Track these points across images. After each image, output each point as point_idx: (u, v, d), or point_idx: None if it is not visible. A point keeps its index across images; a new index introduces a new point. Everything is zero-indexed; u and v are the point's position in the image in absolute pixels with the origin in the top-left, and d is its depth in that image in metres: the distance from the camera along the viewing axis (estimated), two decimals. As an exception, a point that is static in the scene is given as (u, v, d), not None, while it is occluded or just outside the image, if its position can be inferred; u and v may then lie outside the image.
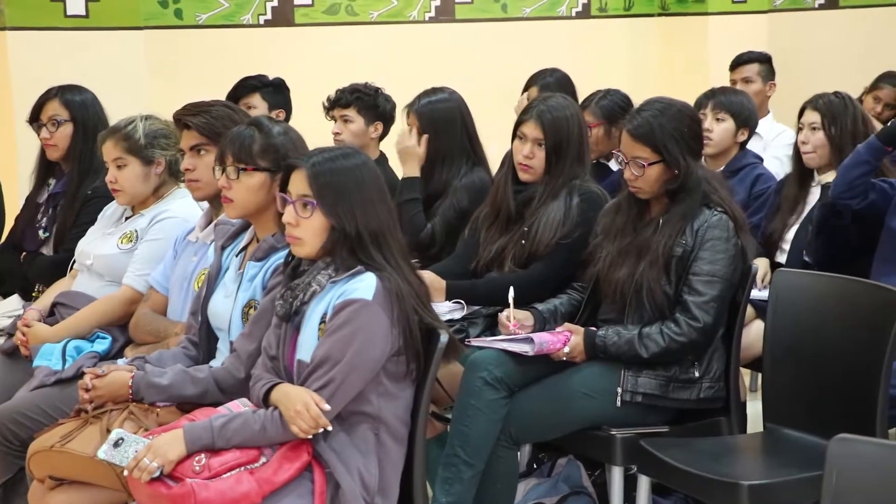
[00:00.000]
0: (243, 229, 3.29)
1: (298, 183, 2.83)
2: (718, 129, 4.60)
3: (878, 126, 4.61)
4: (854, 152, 4.04)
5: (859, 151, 4.02)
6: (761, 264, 4.25)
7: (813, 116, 4.40)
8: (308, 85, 5.69)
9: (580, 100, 4.92)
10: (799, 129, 4.47)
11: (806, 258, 4.31)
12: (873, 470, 2.03)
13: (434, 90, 4.37)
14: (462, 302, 3.73)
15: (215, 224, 3.44)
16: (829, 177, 4.34)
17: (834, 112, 4.36)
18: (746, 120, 4.69)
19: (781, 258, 4.43)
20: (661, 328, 3.39)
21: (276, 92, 5.25)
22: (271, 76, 5.36)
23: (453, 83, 5.94)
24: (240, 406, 2.86)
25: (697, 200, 3.45)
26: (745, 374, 4.44)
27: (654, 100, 3.54)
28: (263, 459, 2.74)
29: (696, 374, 3.44)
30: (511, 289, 3.53)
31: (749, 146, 5.20)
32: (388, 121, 4.81)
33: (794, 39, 7.17)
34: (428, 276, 3.62)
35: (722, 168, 4.63)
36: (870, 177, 4.01)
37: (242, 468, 2.71)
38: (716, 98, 4.72)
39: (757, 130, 5.51)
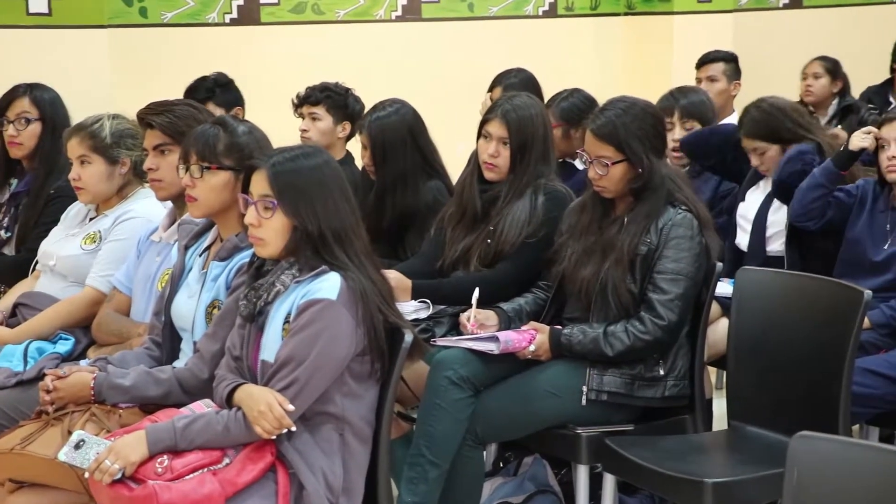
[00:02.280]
0: (207, 229, 3.27)
1: (259, 183, 2.81)
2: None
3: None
4: (810, 176, 4.08)
5: (815, 175, 4.06)
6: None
7: (752, 144, 4.35)
8: (274, 84, 5.67)
9: (545, 99, 4.92)
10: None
11: (768, 248, 4.34)
12: (833, 467, 2.04)
13: (383, 104, 4.27)
14: (428, 301, 3.72)
15: (179, 224, 3.42)
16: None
17: (769, 129, 4.34)
18: (709, 120, 4.72)
19: (743, 239, 4.44)
20: (627, 326, 3.39)
21: (226, 91, 5.23)
22: (236, 75, 5.34)
23: (420, 82, 5.96)
24: (203, 407, 2.84)
25: (662, 199, 3.46)
26: (712, 371, 4.45)
27: (617, 99, 3.55)
28: (227, 460, 2.73)
29: (661, 373, 3.45)
30: (476, 289, 3.53)
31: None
32: (356, 121, 4.79)
33: (759, 39, 7.21)
34: (393, 275, 3.61)
35: (687, 168, 4.64)
36: (825, 199, 4.04)
37: (205, 469, 2.70)
38: (680, 105, 4.73)
39: (722, 129, 5.56)
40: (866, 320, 3.64)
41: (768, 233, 4.36)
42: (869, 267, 3.92)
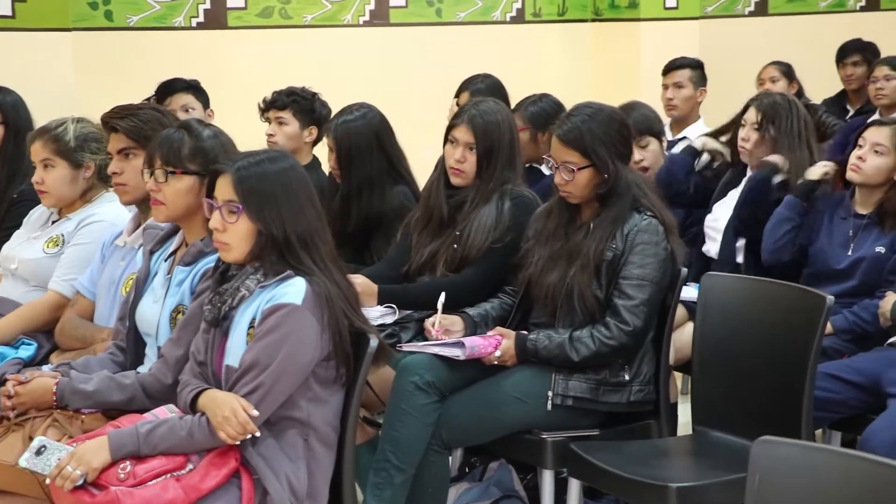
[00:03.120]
0: (172, 233, 3.26)
1: (224, 188, 2.80)
2: (647, 153, 4.62)
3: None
4: (775, 213, 4.11)
5: (780, 212, 4.09)
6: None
7: (753, 116, 4.42)
8: (241, 88, 5.66)
9: (512, 105, 4.93)
10: (741, 126, 4.49)
11: (738, 260, 4.37)
12: (795, 471, 2.05)
13: (350, 108, 4.25)
14: (394, 306, 3.72)
15: (144, 228, 3.41)
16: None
17: (776, 110, 4.40)
18: (659, 132, 4.71)
19: (711, 246, 4.47)
20: (592, 332, 3.40)
21: (201, 92, 5.21)
22: (203, 79, 5.32)
23: (387, 87, 5.96)
24: (166, 412, 2.83)
25: (627, 205, 3.47)
26: (678, 376, 4.47)
27: (583, 105, 3.56)
28: (190, 466, 2.72)
29: (627, 378, 3.46)
30: (442, 295, 3.53)
31: (678, 151, 5.25)
32: (323, 126, 4.78)
33: (725, 45, 7.26)
34: (360, 280, 3.62)
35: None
36: (795, 232, 4.06)
37: (168, 475, 2.68)
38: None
39: (688, 135, 5.60)
40: (829, 326, 3.68)
41: (738, 242, 4.39)
42: (832, 274, 3.95)
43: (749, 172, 4.48)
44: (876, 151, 3.90)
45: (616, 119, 3.54)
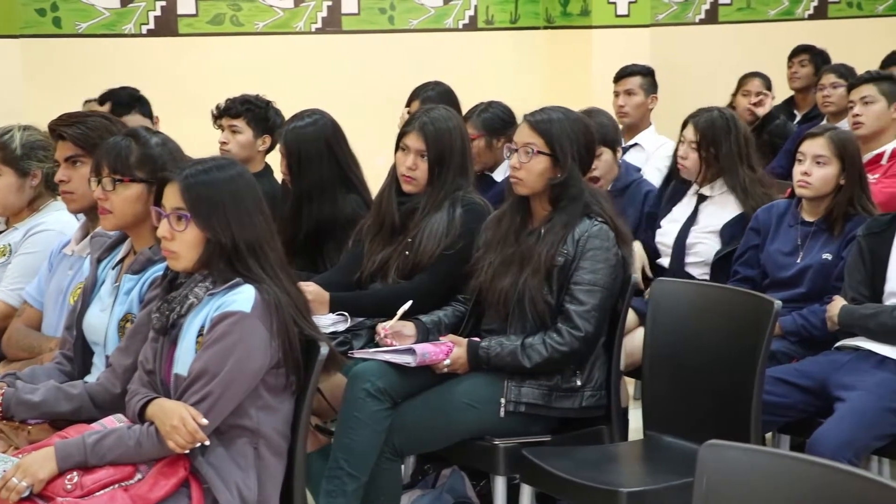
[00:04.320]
0: (120, 242, 3.24)
1: (172, 196, 2.79)
2: (599, 163, 4.63)
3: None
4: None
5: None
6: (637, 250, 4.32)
7: (691, 134, 4.43)
8: (192, 96, 5.64)
9: (464, 112, 4.94)
10: (679, 142, 4.53)
11: (688, 269, 4.40)
12: (741, 474, 2.06)
13: (302, 114, 4.24)
14: (345, 314, 3.71)
15: (91, 236, 3.38)
16: (710, 190, 4.43)
17: (714, 132, 4.41)
18: (614, 142, 4.72)
19: (665, 260, 4.51)
20: (544, 338, 3.41)
21: (142, 102, 5.18)
22: (154, 87, 5.29)
23: (340, 95, 5.95)
24: (114, 422, 2.81)
25: (579, 210, 3.49)
26: (630, 382, 4.50)
27: (558, 106, 3.61)
28: (139, 476, 2.70)
29: (578, 383, 3.47)
30: (409, 302, 3.53)
31: (631, 158, 5.29)
32: (276, 135, 4.76)
33: (676, 53, 7.31)
34: (311, 287, 3.61)
35: (608, 188, 4.67)
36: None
37: (117, 485, 2.66)
38: None
39: (639, 142, 5.64)
40: (777, 327, 3.71)
41: (688, 259, 4.42)
42: (781, 281, 3.98)
43: (693, 186, 4.50)
44: (818, 163, 3.93)
45: (587, 129, 3.59)
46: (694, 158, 4.43)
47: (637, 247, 4.38)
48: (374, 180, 4.23)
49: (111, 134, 3.29)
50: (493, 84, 6.22)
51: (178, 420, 2.67)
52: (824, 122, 5.79)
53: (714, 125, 4.40)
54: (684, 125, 4.52)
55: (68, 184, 3.42)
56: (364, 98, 6.40)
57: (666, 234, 4.54)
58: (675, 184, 4.63)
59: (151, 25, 6.18)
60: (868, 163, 4.74)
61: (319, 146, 4.15)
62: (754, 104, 6.23)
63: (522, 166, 3.50)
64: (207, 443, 2.70)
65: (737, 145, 4.38)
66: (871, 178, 4.62)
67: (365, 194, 4.23)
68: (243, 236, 2.78)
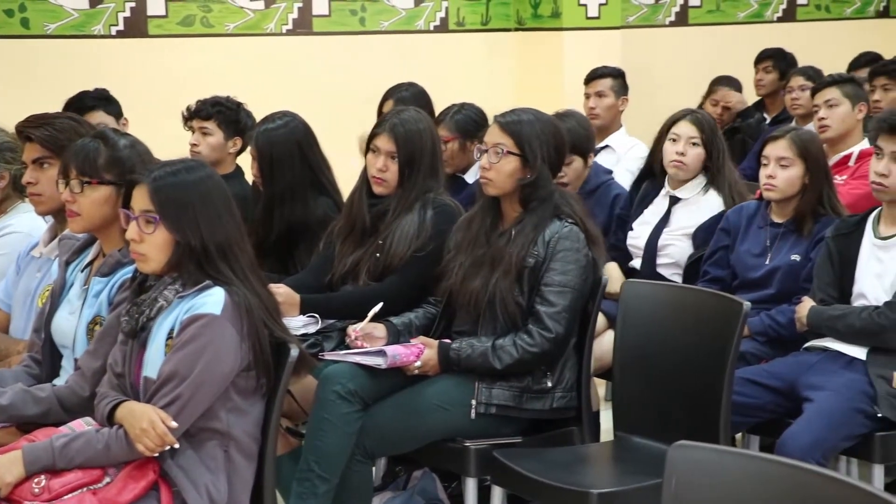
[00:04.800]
0: (89, 244, 3.22)
1: (140, 198, 2.78)
2: (569, 170, 4.64)
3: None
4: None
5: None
6: (613, 272, 4.34)
7: (692, 130, 4.43)
8: (162, 97, 5.61)
9: (437, 113, 4.94)
10: (672, 139, 4.49)
11: (659, 270, 4.41)
12: (710, 475, 2.07)
13: (273, 116, 4.23)
14: (316, 316, 3.71)
15: (60, 239, 3.36)
16: (683, 192, 4.44)
17: (712, 129, 4.43)
18: (585, 151, 4.71)
19: (637, 263, 4.52)
20: (515, 339, 3.42)
21: (110, 102, 5.15)
22: (123, 88, 5.25)
23: (311, 97, 5.93)
24: (83, 425, 2.80)
25: (549, 211, 3.50)
26: (601, 383, 4.51)
27: (529, 108, 3.61)
28: (107, 479, 2.69)
29: (549, 385, 3.48)
30: (379, 304, 3.53)
31: (602, 160, 5.30)
32: (247, 137, 4.74)
33: (646, 55, 7.34)
34: (282, 289, 3.61)
35: (577, 191, 4.67)
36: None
37: (85, 489, 2.65)
38: None
39: (610, 144, 5.65)
40: (746, 328, 3.73)
41: (659, 260, 4.44)
42: (750, 283, 4.00)
43: (665, 188, 4.51)
44: (782, 165, 3.96)
45: (556, 127, 3.59)
46: (694, 154, 4.42)
47: (614, 268, 4.39)
48: (346, 182, 4.22)
49: (79, 136, 3.27)
50: (464, 85, 6.22)
51: (148, 423, 2.66)
52: (793, 124, 5.81)
53: (711, 124, 4.45)
54: (672, 123, 4.47)
55: (36, 186, 3.40)
56: (335, 100, 6.38)
57: (638, 236, 4.55)
58: (646, 186, 4.64)
59: (121, 27, 6.14)
60: (836, 165, 4.78)
61: (291, 148, 4.14)
62: (720, 115, 6.30)
63: (492, 167, 3.50)
64: (177, 445, 2.69)
65: (721, 143, 4.42)
66: (839, 179, 4.66)
67: (336, 197, 4.22)
68: (213, 238, 2.77)
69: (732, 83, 6.72)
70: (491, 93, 6.46)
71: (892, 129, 3.58)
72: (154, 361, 2.76)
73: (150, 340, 2.79)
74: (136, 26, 6.17)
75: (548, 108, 4.72)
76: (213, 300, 2.74)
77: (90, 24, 6.06)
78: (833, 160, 4.78)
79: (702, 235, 4.34)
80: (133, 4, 6.14)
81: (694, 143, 4.42)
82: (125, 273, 3.01)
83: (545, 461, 3.33)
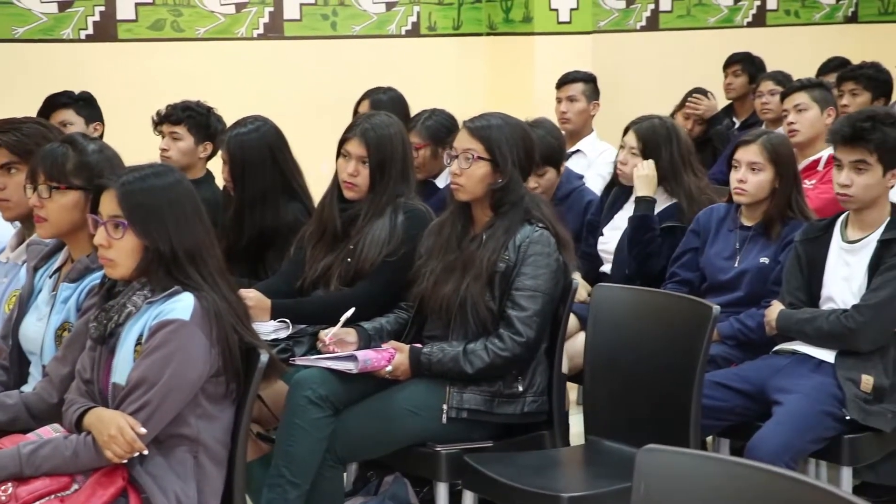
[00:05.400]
0: (57, 249, 3.21)
1: (108, 203, 2.76)
2: (542, 181, 4.65)
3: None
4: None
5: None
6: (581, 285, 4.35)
7: (633, 141, 4.47)
8: (132, 102, 5.58)
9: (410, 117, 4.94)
10: (620, 148, 4.56)
11: (627, 270, 4.43)
12: (679, 479, 2.08)
13: (245, 121, 4.22)
14: (287, 321, 3.70)
15: (27, 244, 3.34)
16: (642, 190, 4.45)
17: (657, 141, 4.44)
18: (558, 162, 4.72)
19: (608, 267, 4.53)
20: (486, 344, 3.42)
21: (88, 105, 5.12)
22: (94, 93, 5.23)
23: (282, 101, 5.93)
24: (51, 432, 2.78)
25: (520, 215, 3.50)
26: (572, 387, 4.51)
27: (496, 112, 3.62)
28: (75, 486, 2.67)
29: (520, 389, 3.48)
30: (351, 310, 3.52)
31: (573, 164, 5.32)
32: (218, 142, 4.72)
33: (617, 60, 7.36)
34: (253, 294, 3.60)
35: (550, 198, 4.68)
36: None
37: (53, 496, 2.64)
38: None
39: (581, 148, 5.67)
40: (715, 332, 3.75)
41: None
42: (720, 285, 4.02)
43: (634, 196, 4.53)
44: (753, 170, 3.98)
45: (527, 135, 3.60)
46: (633, 164, 4.46)
47: (578, 278, 4.40)
48: (317, 187, 4.21)
49: (47, 141, 3.26)
50: (435, 90, 6.23)
51: (116, 430, 2.64)
52: (763, 128, 5.84)
53: (655, 132, 4.44)
54: (626, 132, 4.54)
55: (3, 191, 3.38)
56: (306, 104, 6.38)
57: (608, 241, 4.56)
58: (616, 191, 4.66)
59: (90, 31, 6.11)
60: (805, 169, 4.81)
61: (263, 153, 4.13)
62: (690, 128, 6.34)
63: (463, 172, 3.50)
64: (146, 452, 2.68)
65: (679, 153, 4.42)
66: (808, 184, 4.69)
67: (307, 202, 4.21)
68: (182, 244, 2.76)
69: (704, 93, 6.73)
70: (462, 97, 6.46)
71: (845, 140, 3.60)
72: (123, 367, 2.75)
73: (118, 346, 2.78)
74: (106, 30, 6.14)
75: (519, 113, 4.73)
76: (182, 306, 2.73)
77: (59, 28, 6.03)
78: (802, 165, 4.81)
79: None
80: (103, 8, 6.11)
81: (633, 154, 4.44)
82: (94, 279, 2.99)
83: (516, 465, 3.33)
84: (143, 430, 2.66)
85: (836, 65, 6.59)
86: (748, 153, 3.99)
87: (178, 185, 2.82)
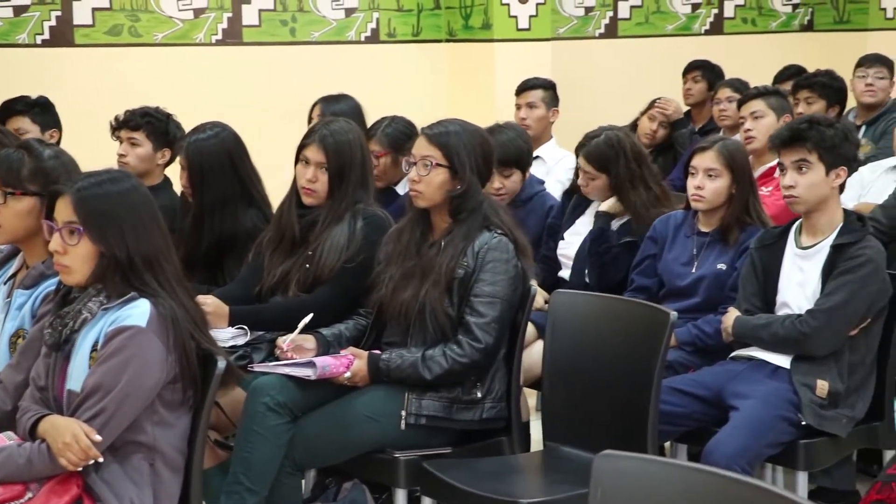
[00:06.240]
0: (12, 256, 3.19)
1: (64, 209, 2.75)
2: (508, 183, 4.65)
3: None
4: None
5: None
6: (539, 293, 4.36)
7: (585, 165, 4.45)
8: (89, 108, 5.54)
9: (369, 125, 4.93)
10: (579, 167, 4.52)
11: (587, 279, 4.44)
12: (635, 484, 2.09)
13: (204, 126, 4.19)
14: (245, 328, 3.68)
15: (-19, 251, 3.30)
16: (606, 205, 4.47)
17: (605, 158, 4.45)
18: (525, 165, 4.72)
19: (566, 273, 4.55)
20: (444, 350, 3.42)
21: (45, 112, 5.08)
22: (51, 98, 5.19)
23: (241, 107, 5.90)
24: (4, 440, 2.76)
25: (478, 221, 3.51)
26: (531, 394, 4.52)
27: (455, 119, 3.62)
28: (29, 494, 2.66)
29: (479, 395, 3.49)
30: (309, 316, 3.52)
31: (532, 170, 5.32)
32: (176, 148, 4.69)
33: (576, 66, 7.39)
34: (211, 301, 3.59)
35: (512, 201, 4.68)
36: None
37: (6, 504, 2.61)
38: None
39: (540, 155, 5.68)
40: (673, 338, 3.77)
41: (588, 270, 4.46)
42: (677, 292, 4.04)
43: (595, 203, 4.54)
44: (710, 176, 4.01)
45: (482, 137, 3.60)
46: (595, 185, 4.45)
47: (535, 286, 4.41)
48: (276, 193, 4.20)
49: (2, 146, 3.24)
50: (395, 97, 6.22)
51: (71, 437, 2.63)
52: (721, 134, 5.89)
53: (602, 152, 4.41)
54: (577, 151, 4.52)
55: (-42, 197, 3.34)
56: (266, 110, 6.36)
57: (568, 245, 4.58)
58: (577, 197, 4.67)
59: (46, 36, 6.06)
60: (761, 176, 4.84)
61: (222, 159, 4.11)
62: (654, 130, 6.36)
63: (422, 179, 3.51)
64: (101, 460, 2.67)
65: (627, 168, 4.38)
66: (765, 190, 4.72)
67: (266, 209, 4.20)
68: (138, 250, 2.74)
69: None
70: (422, 104, 6.47)
71: (784, 142, 3.65)
72: (78, 374, 2.74)
73: (73, 353, 2.76)
74: (63, 35, 6.10)
75: (479, 119, 4.75)
76: (138, 312, 2.72)
77: (14, 32, 5.98)
78: (758, 172, 4.85)
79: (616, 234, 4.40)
80: (59, 13, 6.07)
81: (590, 177, 4.44)
82: (49, 285, 2.97)
83: (475, 472, 3.34)
84: (98, 438, 2.64)
85: (792, 73, 6.65)
86: (705, 160, 4.02)
87: (135, 192, 2.80)
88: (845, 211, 3.73)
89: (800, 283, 3.67)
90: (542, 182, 5.08)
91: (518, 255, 3.52)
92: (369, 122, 5.01)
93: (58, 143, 4.89)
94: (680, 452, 3.85)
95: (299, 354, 3.50)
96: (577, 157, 4.52)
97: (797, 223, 3.76)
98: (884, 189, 4.89)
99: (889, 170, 5.07)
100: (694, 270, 4.03)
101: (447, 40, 7.22)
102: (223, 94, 6.29)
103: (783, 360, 3.64)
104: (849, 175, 3.71)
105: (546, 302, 4.33)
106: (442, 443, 3.49)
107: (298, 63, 6.73)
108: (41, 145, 3.15)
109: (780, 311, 3.69)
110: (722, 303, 3.92)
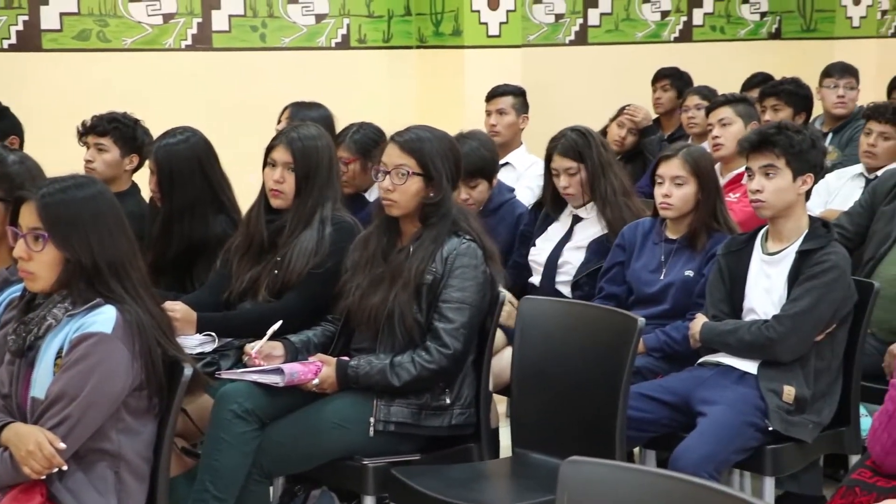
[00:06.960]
0: (-24, 262, 3.14)
1: (28, 215, 2.73)
2: (475, 193, 4.65)
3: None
4: None
5: None
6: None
7: (566, 163, 4.45)
8: (56, 113, 5.51)
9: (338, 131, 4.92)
10: (555, 174, 4.50)
11: (558, 287, 4.45)
12: (601, 490, 2.09)
13: (174, 131, 4.17)
14: (213, 334, 3.66)
15: (-54, 257, 3.27)
16: (584, 212, 4.47)
17: (580, 149, 4.46)
18: (491, 174, 4.72)
19: (536, 279, 4.55)
20: (413, 356, 3.42)
21: (2, 118, 5.04)
22: (17, 103, 5.16)
23: (210, 113, 5.89)
24: (-33, 448, 2.72)
25: (447, 227, 3.51)
26: (500, 400, 4.52)
27: (422, 125, 3.61)
28: (-8, 503, 2.62)
29: (448, 401, 3.48)
30: (278, 323, 3.51)
31: (502, 177, 5.33)
32: (144, 154, 4.67)
33: (547, 73, 7.41)
34: (179, 307, 3.57)
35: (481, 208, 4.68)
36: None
37: (-31, 513, 2.59)
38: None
39: (510, 161, 5.69)
40: (641, 344, 3.78)
41: (558, 277, 4.47)
42: (645, 298, 4.05)
43: (569, 207, 4.54)
44: (677, 184, 4.02)
45: (452, 143, 3.61)
46: (575, 180, 4.43)
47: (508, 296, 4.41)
48: (245, 198, 4.19)
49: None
50: (366, 102, 6.22)
51: (34, 445, 2.61)
52: (689, 141, 5.92)
53: (575, 143, 4.43)
54: (549, 157, 4.50)
55: (-79, 204, 3.31)
56: (235, 116, 6.34)
57: (540, 251, 4.58)
58: (548, 206, 4.66)
59: (13, 40, 6.02)
60: (729, 183, 4.87)
61: (191, 164, 4.10)
62: (623, 137, 6.38)
63: (396, 188, 3.49)
64: (65, 467, 2.65)
65: (599, 155, 4.42)
66: (733, 197, 4.75)
67: (234, 215, 4.18)
68: (104, 256, 2.73)
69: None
70: (393, 110, 6.47)
71: (752, 146, 3.67)
72: (42, 381, 2.72)
73: (38, 360, 2.74)
74: (30, 40, 6.06)
75: (449, 125, 4.75)
76: (103, 318, 2.70)
77: (-19, 37, 5.95)
78: (726, 178, 4.88)
79: (594, 247, 4.39)
80: (26, 18, 6.03)
81: (571, 174, 4.43)
82: (13, 291, 2.95)
83: (443, 478, 3.33)
84: (62, 446, 2.63)
85: (759, 80, 6.69)
86: (671, 168, 4.03)
87: (100, 197, 2.79)
88: (811, 217, 3.76)
89: (766, 289, 3.68)
90: (512, 190, 5.08)
91: (487, 260, 3.52)
92: (339, 129, 5.00)
93: (19, 148, 4.85)
94: (648, 458, 3.86)
95: (267, 361, 3.48)
96: (551, 160, 4.50)
97: (763, 230, 3.78)
98: (850, 196, 4.93)
99: (855, 177, 5.11)
100: (662, 277, 4.04)
101: (417, 47, 7.22)
102: (193, 99, 6.26)
103: (750, 366, 3.66)
104: (815, 182, 3.74)
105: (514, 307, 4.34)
106: (411, 449, 3.48)
107: (269, 69, 6.72)
108: (5, 150, 3.13)
109: (747, 317, 3.71)
110: (690, 309, 3.93)
